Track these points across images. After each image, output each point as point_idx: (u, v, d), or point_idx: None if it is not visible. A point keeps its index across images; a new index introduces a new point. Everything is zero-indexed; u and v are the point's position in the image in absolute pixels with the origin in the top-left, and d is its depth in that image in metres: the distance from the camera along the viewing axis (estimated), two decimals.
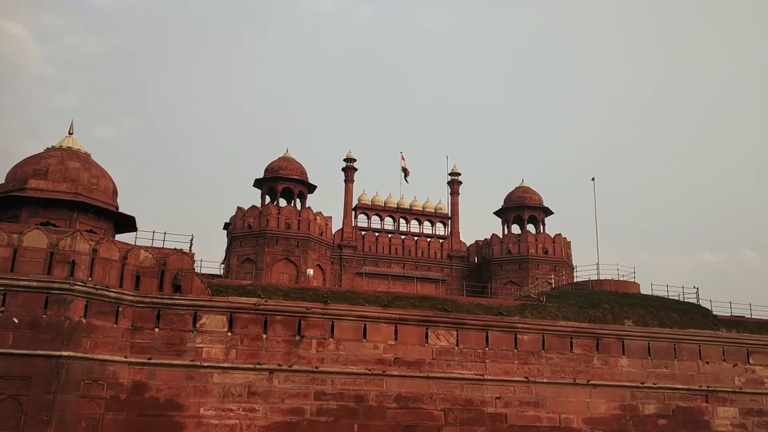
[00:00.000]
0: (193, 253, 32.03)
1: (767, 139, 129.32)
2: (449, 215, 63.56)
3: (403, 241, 60.80)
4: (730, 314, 40.52)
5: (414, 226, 63.33)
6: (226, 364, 30.23)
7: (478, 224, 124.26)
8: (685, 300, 40.98)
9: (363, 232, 60.46)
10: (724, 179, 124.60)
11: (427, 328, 33.32)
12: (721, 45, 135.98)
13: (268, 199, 56.54)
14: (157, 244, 32.24)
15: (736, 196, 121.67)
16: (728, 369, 37.05)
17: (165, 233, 32.66)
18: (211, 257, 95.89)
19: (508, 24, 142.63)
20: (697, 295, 41.16)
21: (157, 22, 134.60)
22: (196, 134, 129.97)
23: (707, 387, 36.30)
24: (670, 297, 41.04)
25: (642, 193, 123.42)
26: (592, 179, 51.90)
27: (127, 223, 35.25)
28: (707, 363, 36.79)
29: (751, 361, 37.63)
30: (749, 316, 40.96)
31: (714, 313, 39.89)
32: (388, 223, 62.58)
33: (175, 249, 31.78)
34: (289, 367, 30.91)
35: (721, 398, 36.40)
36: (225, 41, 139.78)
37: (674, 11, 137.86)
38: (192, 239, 33.00)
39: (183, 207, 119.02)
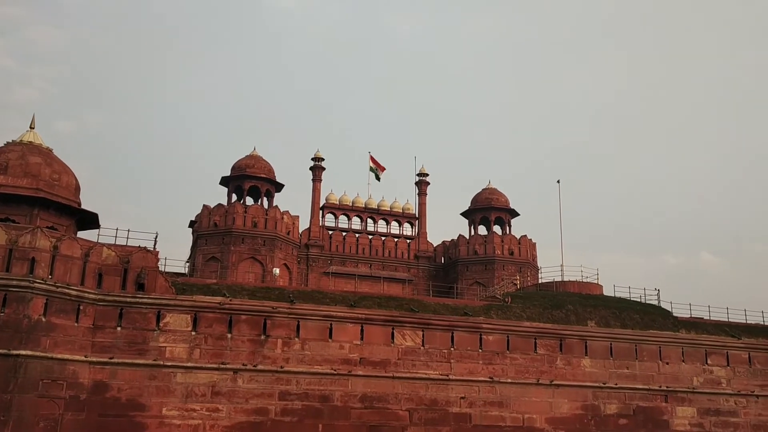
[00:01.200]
0: (158, 251, 31.65)
1: (726, 145, 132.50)
2: (417, 216, 63.76)
3: (370, 241, 60.82)
4: (689, 316, 41.39)
5: (381, 226, 63.37)
6: (189, 364, 29.89)
7: (446, 225, 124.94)
8: (647, 302, 41.72)
9: (330, 232, 60.31)
10: (684, 185, 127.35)
11: (393, 328, 33.37)
12: (682, 48, 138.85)
13: (234, 197, 56.05)
14: (121, 241, 31.79)
15: (695, 200, 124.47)
16: (687, 369, 37.83)
17: (129, 231, 32.24)
18: (175, 255, 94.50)
19: (477, 26, 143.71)
20: (658, 297, 41.98)
21: (121, 17, 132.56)
22: (161, 131, 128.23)
23: (667, 387, 37.00)
24: (632, 298, 41.77)
25: (606, 196, 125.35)
26: (558, 181, 52.58)
27: (90, 220, 34.65)
28: (667, 363, 37.51)
29: (708, 361, 38.46)
30: (707, 318, 41.88)
31: (674, 314, 40.68)
32: (356, 223, 62.55)
33: (139, 247, 31.34)
34: (254, 366, 30.69)
35: (680, 398, 37.15)
36: (191, 38, 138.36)
37: (637, 16, 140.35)
38: (156, 237, 32.60)
39: (147, 204, 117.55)
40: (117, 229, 32.15)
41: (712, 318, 41.95)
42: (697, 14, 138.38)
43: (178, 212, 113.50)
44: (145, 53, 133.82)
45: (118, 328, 29.44)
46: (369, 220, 62.94)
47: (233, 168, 56.43)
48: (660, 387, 36.87)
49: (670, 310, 41.00)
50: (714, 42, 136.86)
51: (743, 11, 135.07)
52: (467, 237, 60.95)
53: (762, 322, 42.80)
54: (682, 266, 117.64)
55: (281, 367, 31.02)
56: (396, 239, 62.19)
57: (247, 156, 57.08)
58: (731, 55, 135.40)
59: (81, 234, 33.82)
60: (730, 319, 42.08)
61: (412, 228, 63.67)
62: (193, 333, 30.44)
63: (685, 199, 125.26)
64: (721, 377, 38.44)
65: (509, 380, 34.24)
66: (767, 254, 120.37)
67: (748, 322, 42.37)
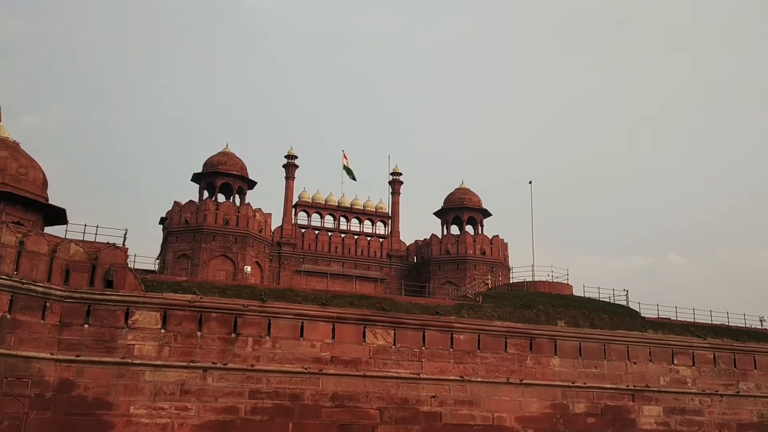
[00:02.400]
0: (127, 248, 31.24)
1: (696, 149, 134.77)
2: (390, 215, 63.84)
3: (343, 240, 60.73)
4: (657, 316, 41.99)
5: (354, 224, 63.35)
6: (158, 362, 29.56)
7: (418, 224, 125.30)
8: (616, 302, 42.23)
9: (303, 230, 60.13)
10: (652, 187, 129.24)
11: (364, 327, 33.35)
12: (655, 47, 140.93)
13: (206, 194, 55.58)
14: (89, 237, 31.31)
15: (663, 203, 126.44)
16: (654, 369, 38.38)
17: (97, 227, 31.75)
18: (145, 252, 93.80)
19: (452, 25, 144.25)
20: (627, 298, 42.53)
21: (92, 10, 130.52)
22: (131, 126, 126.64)
23: (634, 386, 37.51)
24: (601, 299, 42.26)
25: (576, 198, 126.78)
26: (530, 182, 52.93)
27: (58, 216, 34.06)
28: (635, 363, 38.01)
29: (675, 361, 39.08)
30: (674, 318, 42.54)
31: (642, 315, 41.23)
32: (329, 222, 62.44)
33: (108, 243, 30.90)
34: (224, 365, 30.45)
35: (647, 397, 37.68)
36: (164, 33, 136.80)
37: (611, 17, 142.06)
38: (126, 233, 32.17)
39: (117, 200, 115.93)
40: (85, 225, 31.70)
41: (678, 318, 42.62)
42: (668, 14, 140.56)
43: (149, 209, 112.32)
44: (116, 47, 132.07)
45: (86, 326, 28.99)
46: (342, 219, 62.89)
47: (205, 164, 55.92)
48: (627, 386, 37.35)
49: (638, 310, 41.56)
50: (687, 40, 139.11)
51: (690, 12, 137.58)
52: (440, 236, 61.20)
53: (727, 323, 43.61)
54: (650, 267, 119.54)
55: (252, 366, 30.81)
56: (369, 238, 62.22)
57: (219, 153, 56.61)
58: (705, 55, 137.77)
59: (48, 230, 33.24)
60: (696, 320, 42.80)
61: (385, 227, 63.76)
62: (163, 331, 30.09)
63: (653, 201, 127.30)
64: (686, 377, 39.08)
65: (480, 379, 34.42)
66: (732, 256, 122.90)
67: (714, 322, 43.14)
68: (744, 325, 44.09)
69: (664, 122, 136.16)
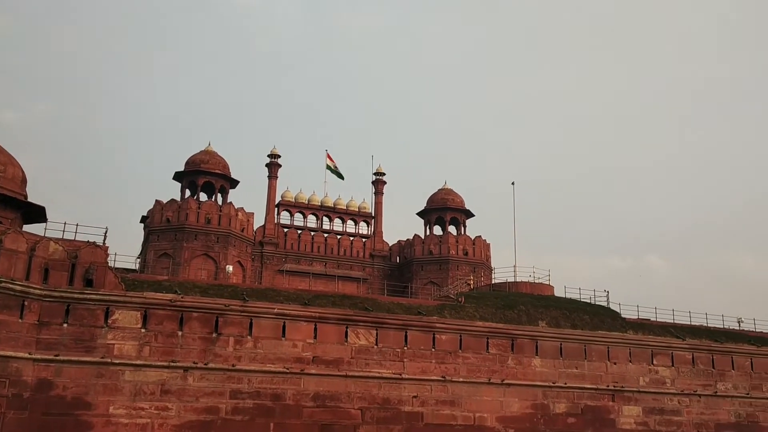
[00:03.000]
0: (107, 247, 30.95)
1: (674, 151, 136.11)
2: (373, 215, 63.84)
3: (325, 240, 60.64)
4: (637, 317, 42.34)
5: (337, 224, 63.29)
6: (138, 362, 29.31)
7: (401, 224, 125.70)
8: (596, 303, 42.53)
9: (285, 230, 59.97)
10: (632, 189, 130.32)
11: (347, 327, 33.30)
12: (634, 48, 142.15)
13: (188, 192, 55.26)
14: (69, 236, 30.99)
15: (643, 205, 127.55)
16: (634, 369, 38.69)
17: (77, 225, 31.48)
18: (126, 251, 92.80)
19: (435, 26, 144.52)
20: (608, 299, 42.85)
21: (73, 6, 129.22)
22: (112, 123, 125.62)
23: (614, 386, 37.78)
24: (582, 299, 42.53)
25: (558, 199, 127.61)
26: (512, 183, 53.16)
27: (37, 214, 33.67)
28: (615, 363, 38.30)
29: (654, 362, 39.42)
30: (654, 319, 42.92)
31: (622, 315, 41.56)
32: (312, 221, 62.33)
33: (88, 242, 30.60)
34: (205, 365, 30.26)
35: (627, 397, 37.97)
36: (146, 30, 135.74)
37: (588, 19, 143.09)
38: (106, 232, 31.93)
39: (97, 199, 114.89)
40: (65, 224, 31.41)
41: (658, 319, 43.01)
42: (642, 16, 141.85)
43: (130, 207, 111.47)
44: (97, 44, 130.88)
45: (65, 325, 28.67)
46: (325, 219, 62.80)
47: (187, 163, 55.60)
48: (607, 386, 37.62)
49: (618, 311, 41.89)
50: (664, 43, 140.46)
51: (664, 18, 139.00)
52: (422, 237, 61.31)
53: (705, 324, 44.08)
54: (630, 268, 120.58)
55: (233, 366, 30.65)
56: (351, 238, 62.18)
57: (201, 151, 56.32)
58: (681, 59, 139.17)
59: (27, 228, 32.84)
60: (675, 321, 43.21)
61: (367, 227, 63.76)
62: (143, 330, 29.85)
63: (634, 203, 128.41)
64: (665, 377, 39.43)
65: (461, 379, 34.50)
66: (710, 258, 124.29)
67: (693, 323, 43.58)
68: (722, 326, 44.62)
69: (644, 124, 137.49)
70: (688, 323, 43.41)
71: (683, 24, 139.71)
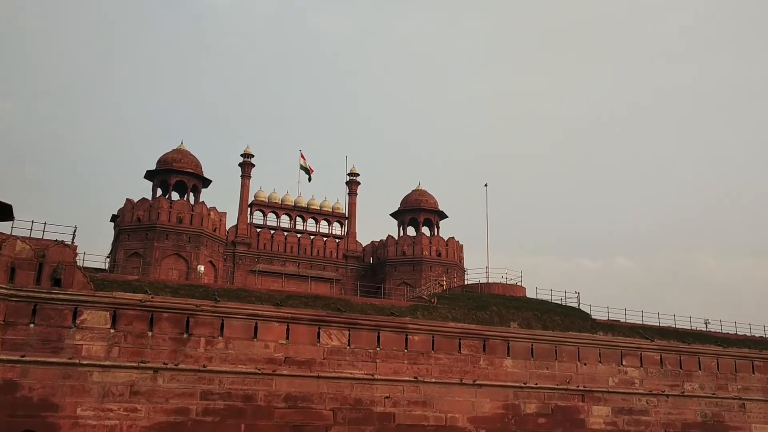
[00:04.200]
0: (76, 246, 30.49)
1: (642, 155, 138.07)
2: (346, 215, 63.73)
3: (298, 240, 60.40)
4: (607, 318, 42.82)
5: (311, 224, 63.06)
6: (107, 362, 28.91)
7: (375, 225, 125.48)
8: (567, 304, 42.94)
9: (258, 230, 59.60)
10: (601, 191, 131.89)
11: (319, 328, 33.21)
12: (608, 52, 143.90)
13: (159, 192, 54.65)
14: (36, 234, 30.45)
15: (611, 207, 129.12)
16: (603, 370, 39.14)
17: (45, 224, 30.95)
18: (95, 251, 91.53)
19: (409, 27, 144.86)
20: (578, 300, 43.28)
21: (42, 4, 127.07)
22: (82, 121, 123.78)
23: (584, 387, 38.18)
24: (553, 301, 42.90)
25: (530, 201, 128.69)
26: (485, 185, 53.47)
27: (3, 212, 32.98)
28: (585, 364, 38.71)
29: (624, 362, 39.92)
30: (624, 320, 43.43)
31: (593, 317, 42.01)
32: (285, 221, 62.03)
33: (56, 241, 30.12)
34: (176, 365, 29.95)
35: (596, 398, 38.40)
36: (118, 29, 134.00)
37: (562, 21, 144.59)
38: (75, 231, 31.46)
39: (66, 197, 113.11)
40: (32, 222, 30.87)
41: (627, 320, 43.51)
42: (619, 20, 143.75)
43: (100, 206, 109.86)
44: (66, 41, 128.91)
45: (31, 325, 28.17)
46: (298, 219, 62.54)
47: (159, 162, 54.99)
48: (577, 387, 38.00)
49: (589, 312, 42.32)
50: (639, 47, 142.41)
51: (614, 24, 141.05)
52: (396, 238, 61.36)
53: (673, 325, 44.76)
54: (600, 270, 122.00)
55: (204, 366, 30.39)
56: (325, 238, 61.99)
57: (173, 150, 55.74)
58: (653, 64, 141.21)
59: None
60: (644, 322, 43.78)
61: (341, 227, 63.63)
62: (112, 331, 29.45)
63: (603, 205, 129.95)
64: (634, 377, 39.95)
65: (433, 380, 34.61)
66: (678, 260, 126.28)
67: (661, 324, 44.21)
68: (690, 328, 45.32)
69: (614, 128, 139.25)
70: (657, 324, 44.03)
71: (656, 27, 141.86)
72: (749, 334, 47.04)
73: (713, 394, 41.67)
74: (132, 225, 51.35)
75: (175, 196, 54.76)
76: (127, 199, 52.56)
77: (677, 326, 44.83)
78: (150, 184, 55.12)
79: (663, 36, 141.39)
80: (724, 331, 46.35)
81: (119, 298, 29.95)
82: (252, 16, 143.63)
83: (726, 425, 41.45)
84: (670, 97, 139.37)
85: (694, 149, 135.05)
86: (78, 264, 30.49)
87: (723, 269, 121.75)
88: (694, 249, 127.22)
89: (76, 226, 31.36)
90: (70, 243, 30.38)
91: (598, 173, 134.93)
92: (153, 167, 54.77)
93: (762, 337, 47.60)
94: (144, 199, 52.42)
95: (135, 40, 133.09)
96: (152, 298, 30.46)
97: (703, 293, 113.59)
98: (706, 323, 46.83)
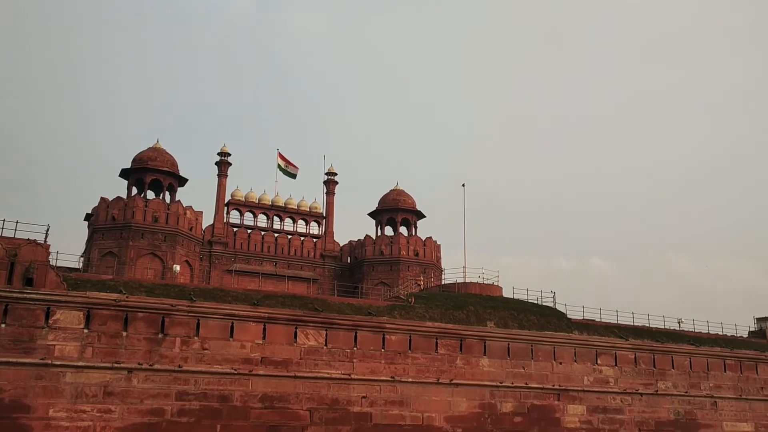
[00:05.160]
0: (49, 245, 30.03)
1: (621, 155, 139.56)
2: (324, 215, 63.61)
3: (276, 239, 60.13)
4: (582, 318, 43.22)
5: (288, 224, 62.85)
6: (80, 363, 28.51)
7: (353, 225, 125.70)
8: (543, 303, 43.25)
9: (235, 229, 59.26)
10: (578, 191, 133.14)
11: (296, 328, 33.08)
12: (583, 52, 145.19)
13: (135, 190, 54.09)
14: (8, 233, 29.92)
15: (586, 208, 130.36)
16: (579, 369, 39.47)
17: (17, 222, 30.44)
18: (69, 250, 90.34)
19: (387, 27, 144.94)
20: (554, 299, 43.60)
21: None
22: (56, 118, 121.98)
23: (559, 386, 38.48)
24: (529, 300, 43.19)
25: (507, 202, 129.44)
26: (462, 185, 53.60)
27: None
28: (560, 363, 39.01)
29: (599, 361, 40.30)
30: (599, 320, 43.89)
31: (568, 316, 42.37)
32: (262, 221, 61.76)
33: (28, 239, 29.64)
34: (150, 366, 29.64)
35: (572, 396, 38.72)
36: (92, 26, 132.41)
37: (539, 21, 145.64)
38: (48, 230, 30.99)
39: (39, 195, 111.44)
40: (4, 221, 30.33)
41: (603, 320, 43.98)
42: (593, 20, 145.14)
43: (73, 204, 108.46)
44: (37, 38, 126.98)
45: (3, 325, 27.66)
46: (275, 218, 62.30)
47: (134, 160, 54.42)
48: (553, 386, 38.29)
49: (564, 312, 42.68)
50: (616, 50, 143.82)
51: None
52: (374, 237, 61.37)
53: (647, 325, 45.31)
54: (575, 270, 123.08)
55: (179, 367, 30.11)
56: (302, 238, 61.83)
57: (149, 148, 55.21)
58: (630, 68, 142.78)
59: None
60: (619, 321, 44.27)
61: (318, 227, 63.50)
62: (86, 331, 29.06)
63: (578, 206, 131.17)
64: (609, 376, 40.35)
65: (410, 379, 34.64)
66: (654, 261, 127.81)
67: (636, 324, 44.74)
68: (663, 327, 45.93)
69: (590, 131, 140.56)
70: (631, 324, 44.54)
71: (637, 31, 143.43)
72: (721, 333, 47.83)
73: (686, 392, 42.24)
74: (106, 224, 50.77)
75: (150, 194, 54.26)
76: (102, 198, 51.95)
77: (651, 326, 45.39)
78: (125, 182, 54.55)
79: (640, 38, 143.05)
80: (696, 331, 47.07)
81: (93, 297, 29.56)
82: (230, 14, 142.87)
83: (698, 423, 42.04)
84: (646, 99, 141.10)
85: (669, 151, 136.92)
86: (51, 263, 30.06)
87: (696, 270, 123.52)
88: (667, 250, 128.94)
89: (48, 225, 30.95)
90: (42, 242, 29.95)
91: (574, 174, 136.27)
92: (128, 165, 54.18)
93: (733, 336, 48.42)
94: (119, 198, 51.86)
95: (110, 38, 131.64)
96: (127, 297, 30.11)
97: (677, 293, 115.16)
98: (679, 323, 47.51)
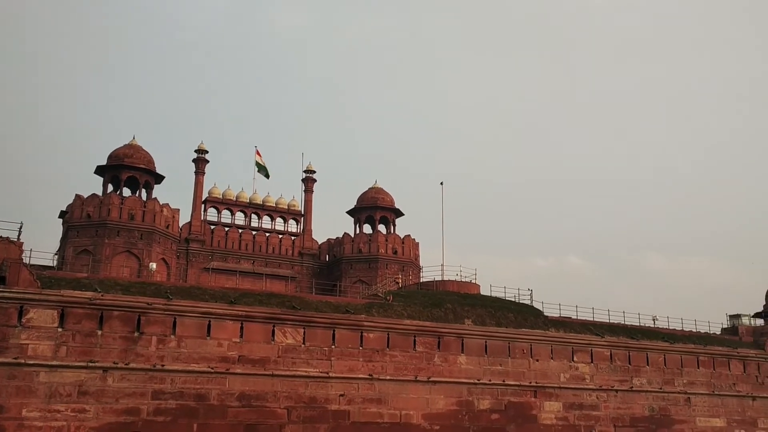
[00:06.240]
0: (22, 242, 29.70)
1: (596, 154, 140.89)
2: (302, 212, 63.42)
3: (253, 237, 59.84)
4: (559, 315, 43.58)
5: (266, 222, 62.56)
6: (54, 362, 28.19)
7: (331, 222, 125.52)
8: (520, 301, 43.55)
9: (212, 227, 58.87)
10: (554, 190, 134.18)
11: (274, 326, 32.97)
12: (563, 51, 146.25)
13: (110, 187, 53.49)
14: None
15: (562, 207, 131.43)
16: (555, 366, 39.81)
17: None
18: (43, 247, 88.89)
19: (365, 25, 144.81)
20: (531, 297, 43.89)
21: None
22: (30, 114, 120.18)
23: (536, 383, 38.77)
24: (507, 298, 43.44)
25: (485, 200, 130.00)
26: (441, 183, 53.75)
27: None
28: (537, 361, 39.30)
29: (575, 358, 40.68)
30: (575, 317, 44.30)
31: (545, 314, 42.70)
32: (240, 218, 61.42)
33: (1, 237, 29.23)
34: (126, 365, 29.38)
35: (548, 393, 39.03)
36: (66, 18, 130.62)
37: (521, 17, 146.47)
38: (21, 227, 30.65)
39: (12, 192, 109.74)
40: None
41: (579, 317, 44.39)
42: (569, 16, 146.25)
43: (48, 201, 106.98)
44: (12, 33, 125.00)
45: None
46: (253, 216, 61.97)
47: (110, 157, 53.83)
48: (530, 383, 38.57)
49: (541, 309, 43.00)
50: (593, 48, 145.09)
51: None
52: (352, 235, 61.30)
53: (623, 322, 45.82)
54: (552, 268, 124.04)
55: (155, 366, 29.88)
56: (280, 236, 61.59)
57: (125, 145, 54.63)
58: (604, 67, 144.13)
59: None
60: (595, 319, 44.73)
61: (297, 225, 63.30)
62: (60, 330, 28.72)
63: (555, 204, 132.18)
64: (585, 373, 40.74)
65: (388, 377, 34.69)
66: (629, 259, 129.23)
67: (611, 321, 45.23)
68: (638, 324, 46.46)
69: (567, 129, 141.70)
70: (607, 321, 45.02)
71: (612, 29, 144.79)
72: (695, 331, 48.55)
73: (660, 388, 42.80)
74: (81, 221, 50.16)
75: (126, 192, 53.71)
76: (77, 195, 51.30)
77: (627, 323, 45.89)
78: (101, 180, 53.92)
79: (610, 36, 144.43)
80: (671, 328, 47.70)
81: (67, 296, 29.23)
82: (207, 9, 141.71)
83: (672, 419, 42.63)
84: (619, 97, 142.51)
85: (643, 150, 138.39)
86: (24, 261, 29.73)
87: (671, 268, 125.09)
88: (642, 248, 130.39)
89: (22, 222, 30.60)
90: (15, 240, 29.61)
91: (551, 173, 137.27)
92: (104, 162, 53.57)
93: (707, 333, 49.17)
94: (94, 195, 51.24)
95: (87, 33, 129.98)
96: (102, 296, 29.81)
97: (652, 291, 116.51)
98: (654, 320, 48.13)
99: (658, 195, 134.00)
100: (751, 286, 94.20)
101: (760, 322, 52.78)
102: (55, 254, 51.30)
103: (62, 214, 53.88)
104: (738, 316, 52.31)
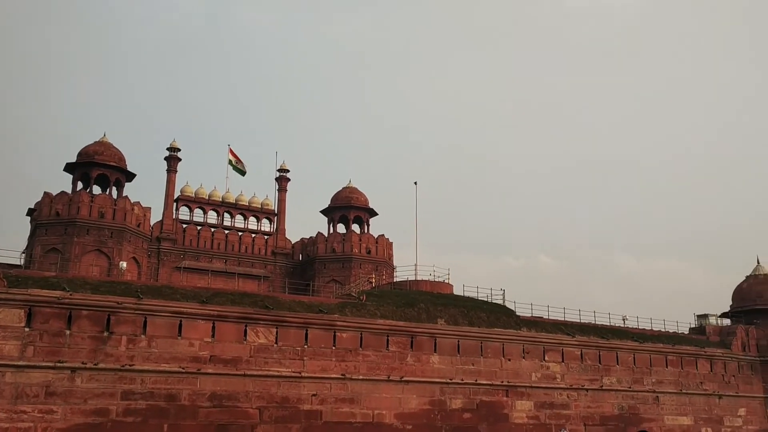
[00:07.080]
0: None
1: (567, 153, 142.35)
2: (275, 211, 63.11)
3: (226, 236, 59.38)
4: (530, 315, 43.91)
5: (239, 221, 62.13)
6: (21, 362, 27.72)
7: (305, 222, 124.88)
8: (493, 301, 43.78)
9: (184, 225, 58.30)
10: (526, 189, 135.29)
11: (246, 326, 32.78)
12: (541, 48, 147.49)
13: (80, 185, 52.67)
14: None
15: (534, 207, 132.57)
16: (527, 365, 40.15)
17: None
18: (9, 246, 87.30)
19: (339, 26, 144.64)
20: (503, 297, 44.13)
21: None
22: None
23: (508, 382, 39.06)
24: (479, 298, 43.66)
25: (458, 200, 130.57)
26: (415, 183, 53.91)
27: None
28: (509, 360, 39.60)
29: (546, 358, 41.06)
30: (547, 317, 44.67)
31: (517, 313, 42.99)
32: (212, 217, 60.95)
33: None
34: (95, 365, 28.98)
35: (520, 392, 39.35)
36: (41, 16, 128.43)
37: (501, 16, 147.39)
38: None
39: None
40: None
41: (551, 317, 44.77)
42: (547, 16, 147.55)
43: (15, 199, 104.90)
44: None
45: None
46: (226, 215, 61.53)
47: (80, 154, 53.00)
48: (502, 382, 38.84)
49: (513, 309, 43.27)
50: (571, 44, 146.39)
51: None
52: (326, 235, 61.16)
53: (594, 322, 46.31)
54: (524, 268, 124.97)
55: (125, 366, 29.51)
56: (253, 235, 61.21)
57: (95, 142, 53.84)
58: (573, 65, 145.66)
59: None
60: (566, 318, 45.16)
61: (270, 224, 62.97)
62: (27, 329, 28.24)
63: (526, 204, 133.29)
64: (556, 373, 41.15)
65: (361, 377, 34.68)
66: (600, 259, 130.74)
67: (582, 321, 45.69)
68: (609, 324, 46.98)
69: (538, 125, 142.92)
70: (578, 321, 45.45)
71: (590, 29, 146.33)
72: (663, 330, 49.25)
73: (630, 387, 43.39)
74: (50, 219, 49.32)
75: (96, 190, 52.93)
76: (45, 193, 50.44)
77: (597, 323, 46.38)
78: (70, 177, 53.07)
79: (586, 36, 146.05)
80: (640, 328, 48.32)
81: (35, 295, 28.75)
82: (180, 7, 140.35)
83: (641, 417, 43.25)
84: (592, 94, 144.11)
85: (615, 149, 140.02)
86: None
87: (640, 268, 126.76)
88: (613, 248, 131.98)
89: None
90: None
91: (522, 172, 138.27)
92: (73, 160, 52.75)
93: (675, 332, 49.92)
94: (63, 193, 50.43)
95: (57, 31, 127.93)
96: (71, 295, 29.36)
97: (622, 291, 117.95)
98: (624, 320, 48.71)
99: (627, 196, 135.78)
100: (718, 287, 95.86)
101: (727, 322, 53.78)
102: (23, 253, 50.42)
103: (30, 212, 52.94)
104: (705, 316, 53.20)
